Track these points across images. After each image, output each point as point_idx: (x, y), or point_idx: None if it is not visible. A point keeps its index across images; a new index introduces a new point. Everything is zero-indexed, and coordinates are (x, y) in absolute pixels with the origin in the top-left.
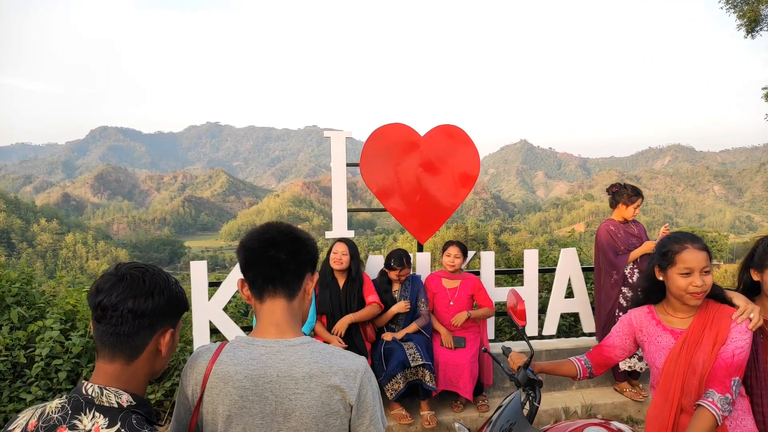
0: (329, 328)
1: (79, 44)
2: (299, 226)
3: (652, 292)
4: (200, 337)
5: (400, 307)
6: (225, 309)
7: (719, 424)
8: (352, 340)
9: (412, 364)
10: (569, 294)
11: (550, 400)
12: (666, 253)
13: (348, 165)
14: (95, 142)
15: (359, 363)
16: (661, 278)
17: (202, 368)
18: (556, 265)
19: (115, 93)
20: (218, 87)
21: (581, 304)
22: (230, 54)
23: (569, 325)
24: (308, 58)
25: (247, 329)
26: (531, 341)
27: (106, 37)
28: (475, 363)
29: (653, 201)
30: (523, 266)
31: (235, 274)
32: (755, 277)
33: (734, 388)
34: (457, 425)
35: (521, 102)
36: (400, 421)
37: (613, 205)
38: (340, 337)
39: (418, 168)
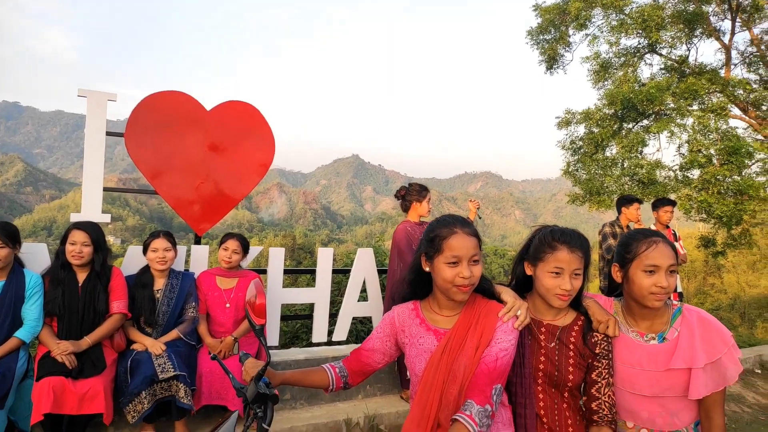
0: (61, 334)
1: None
2: (109, 226)
3: (419, 286)
4: None
5: (154, 349)
6: None
7: None
8: (86, 351)
9: (161, 377)
10: (364, 297)
11: (333, 412)
12: (433, 239)
13: (113, 134)
14: None
15: None
16: (427, 269)
17: None
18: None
19: None
20: (22, 64)
21: (375, 308)
22: (40, 30)
23: (368, 330)
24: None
25: None
26: (319, 347)
27: None
28: None
29: None
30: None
31: None
32: (528, 270)
33: (495, 397)
34: None
35: (356, 118)
36: None
37: (407, 207)
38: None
39: (202, 147)
